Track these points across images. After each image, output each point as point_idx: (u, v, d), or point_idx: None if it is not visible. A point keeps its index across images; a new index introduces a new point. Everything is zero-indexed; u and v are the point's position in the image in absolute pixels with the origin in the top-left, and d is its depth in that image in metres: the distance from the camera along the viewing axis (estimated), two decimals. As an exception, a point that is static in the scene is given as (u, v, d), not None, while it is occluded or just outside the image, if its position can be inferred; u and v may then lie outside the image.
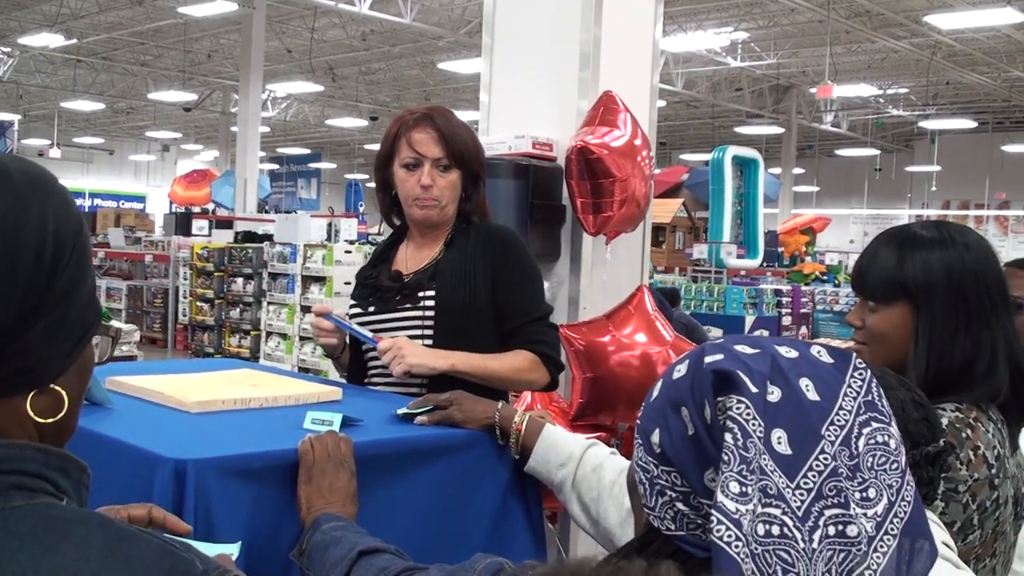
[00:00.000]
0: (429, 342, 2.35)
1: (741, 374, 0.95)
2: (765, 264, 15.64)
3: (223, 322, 12.46)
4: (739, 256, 12.49)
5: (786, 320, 13.47)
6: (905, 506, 0.96)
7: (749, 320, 11.35)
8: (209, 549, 1.38)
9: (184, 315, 13.49)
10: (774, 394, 0.95)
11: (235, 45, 22.06)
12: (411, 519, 1.77)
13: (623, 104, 3.39)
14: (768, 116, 26.10)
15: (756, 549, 0.89)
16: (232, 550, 1.44)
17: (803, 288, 14.82)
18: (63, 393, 0.92)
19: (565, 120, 3.52)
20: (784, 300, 13.95)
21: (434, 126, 2.37)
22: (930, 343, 1.70)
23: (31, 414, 0.90)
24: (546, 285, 3.52)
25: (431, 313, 2.36)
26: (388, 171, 2.46)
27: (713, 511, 0.91)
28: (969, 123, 26.21)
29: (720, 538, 0.89)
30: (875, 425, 0.97)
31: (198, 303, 13.02)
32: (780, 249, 18.95)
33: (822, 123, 26.98)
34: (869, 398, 0.99)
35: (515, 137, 3.48)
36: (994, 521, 1.62)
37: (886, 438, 0.97)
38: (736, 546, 0.89)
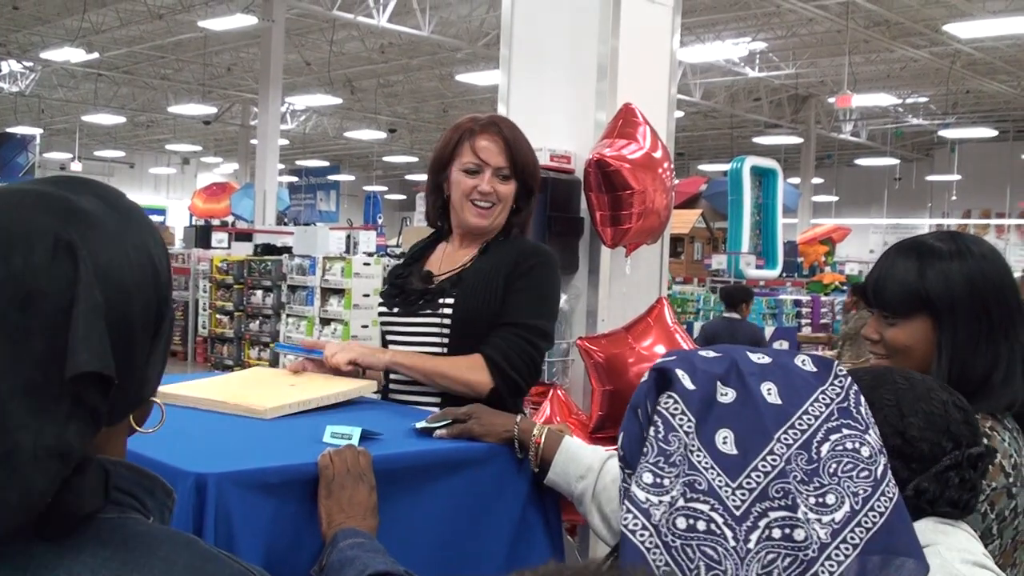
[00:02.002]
0: (445, 350, 2.36)
1: (678, 371, 0.95)
2: (784, 275, 15.59)
3: (242, 334, 12.51)
4: (758, 267, 12.45)
5: (806, 331, 13.40)
6: (874, 517, 0.93)
7: (768, 331, 11.29)
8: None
9: (204, 327, 13.55)
10: (727, 396, 0.95)
11: (254, 58, 22.19)
12: (431, 533, 1.77)
13: (643, 116, 3.39)
14: (787, 126, 26.04)
15: (673, 542, 0.89)
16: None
17: (823, 298, 14.75)
18: (157, 402, 0.99)
19: (583, 132, 3.52)
20: (804, 311, 13.89)
21: (500, 135, 2.40)
22: (953, 355, 1.69)
23: (133, 424, 0.96)
24: (564, 298, 3.51)
25: (448, 321, 2.36)
26: (444, 175, 2.47)
27: (624, 502, 0.91)
28: (989, 132, 26.06)
29: (626, 526, 0.89)
30: (845, 432, 0.96)
31: (217, 315, 13.09)
32: (799, 259, 18.89)
33: (841, 133, 26.88)
34: (845, 405, 0.97)
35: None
36: (1013, 531, 1.61)
37: (857, 445, 0.95)
38: (642, 535, 0.89)
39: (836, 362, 1.02)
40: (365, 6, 16.77)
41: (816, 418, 0.96)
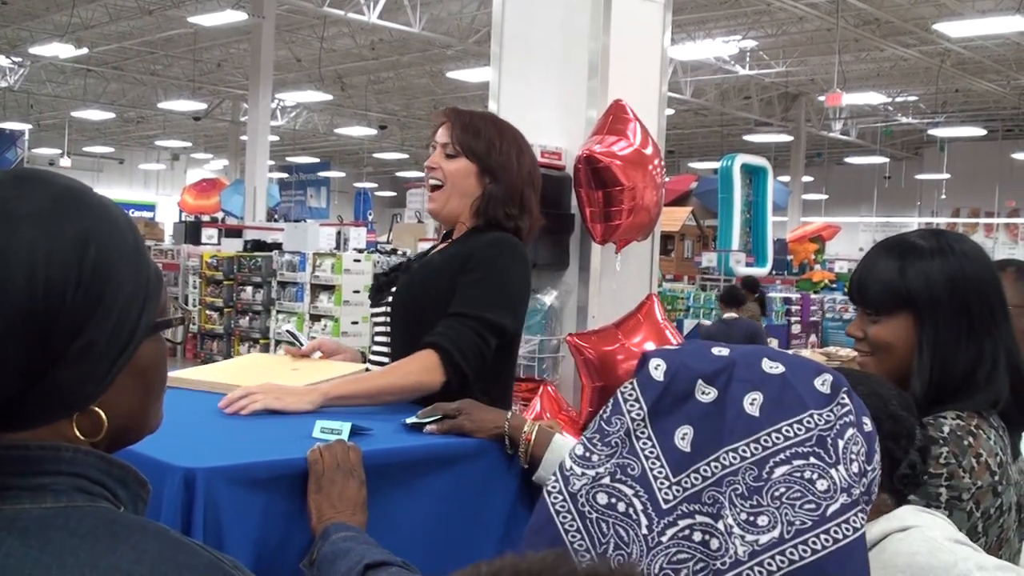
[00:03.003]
0: (388, 339, 2.38)
1: (652, 360, 0.96)
2: (774, 272, 15.63)
3: (232, 330, 12.49)
4: (748, 264, 12.50)
5: (795, 328, 13.45)
6: (804, 551, 0.91)
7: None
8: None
9: (193, 324, 13.52)
10: (708, 395, 0.95)
11: (245, 54, 22.13)
12: (420, 528, 1.77)
13: (633, 113, 3.39)
14: (777, 124, 26.09)
15: (590, 513, 0.90)
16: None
17: (812, 296, 14.80)
18: (100, 414, 0.94)
19: (574, 129, 3.52)
20: (793, 308, 13.93)
21: (447, 115, 2.42)
22: (934, 352, 1.70)
23: (78, 435, 0.93)
24: (554, 294, 3.52)
25: (389, 310, 2.37)
26: None
27: (556, 471, 0.92)
28: (979, 131, 26.15)
29: (547, 490, 0.90)
30: (812, 460, 0.94)
31: (207, 312, 13.06)
32: (789, 257, 18.95)
33: (831, 131, 26.95)
34: (825, 435, 0.95)
35: (524, 146, 3.48)
36: (998, 528, 1.62)
37: (814, 476, 0.93)
38: (555, 499, 0.90)
39: (847, 388, 1.01)
40: (356, 3, 16.75)
41: (786, 439, 0.94)
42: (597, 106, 3.47)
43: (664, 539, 0.90)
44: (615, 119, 3.38)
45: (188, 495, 1.50)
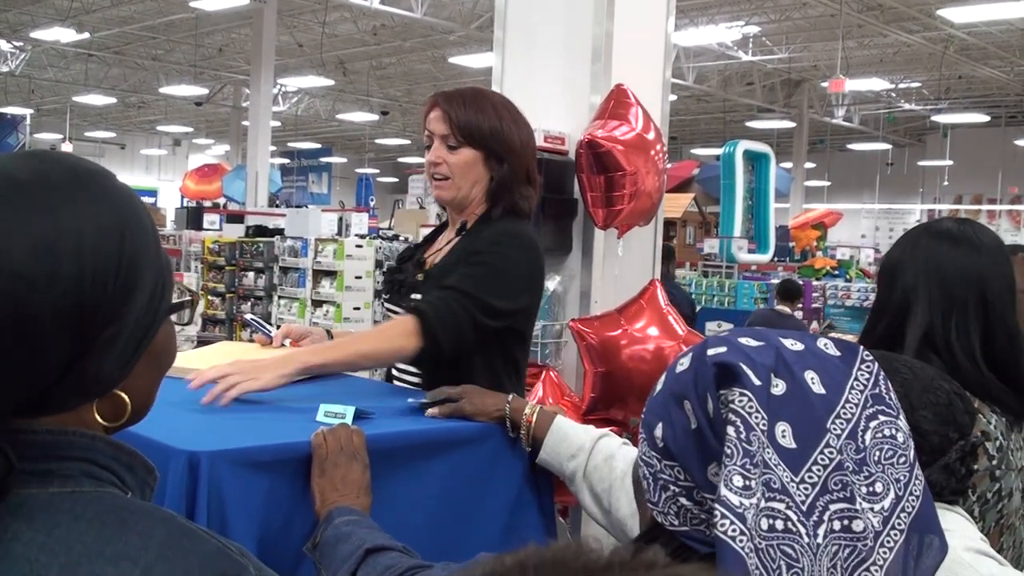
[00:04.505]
0: None
1: (744, 366, 0.94)
2: (776, 259, 15.61)
3: (234, 316, 12.48)
4: (750, 251, 12.49)
5: (797, 315, 13.42)
6: (913, 501, 0.95)
7: (760, 316, 11.31)
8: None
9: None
10: (778, 387, 0.94)
11: (246, 39, 22.08)
12: (423, 512, 1.77)
13: (635, 98, 3.38)
14: (779, 110, 26.02)
15: (760, 544, 0.88)
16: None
17: (814, 283, 14.78)
18: (124, 398, 0.95)
19: (577, 114, 3.51)
20: (795, 295, 13.88)
21: (439, 103, 2.34)
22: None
23: (99, 420, 0.93)
24: (557, 279, 3.51)
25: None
26: None
27: (716, 506, 0.90)
28: (982, 117, 26.07)
29: (724, 532, 0.88)
30: (882, 419, 0.96)
31: (209, 297, 13.05)
32: (791, 244, 18.92)
33: (834, 117, 26.87)
34: (876, 391, 0.97)
35: (527, 131, 3.47)
36: (997, 513, 1.61)
37: (893, 431, 0.96)
38: (741, 540, 0.88)
39: (860, 347, 1.01)
40: (358, -13, 16.70)
41: (856, 406, 0.96)
42: (600, 91, 3.46)
43: (819, 540, 0.91)
44: (617, 104, 3.37)
45: (192, 479, 1.50)
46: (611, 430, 1.97)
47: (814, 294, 14.06)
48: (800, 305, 10.03)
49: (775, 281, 13.50)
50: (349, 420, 1.75)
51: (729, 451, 0.91)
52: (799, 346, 0.98)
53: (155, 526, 0.88)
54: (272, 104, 20.95)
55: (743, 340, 0.99)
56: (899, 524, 0.93)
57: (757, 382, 0.94)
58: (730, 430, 0.92)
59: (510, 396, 1.95)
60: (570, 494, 1.91)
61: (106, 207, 0.90)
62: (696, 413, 0.97)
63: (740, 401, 0.93)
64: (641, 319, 3.33)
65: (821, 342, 1.01)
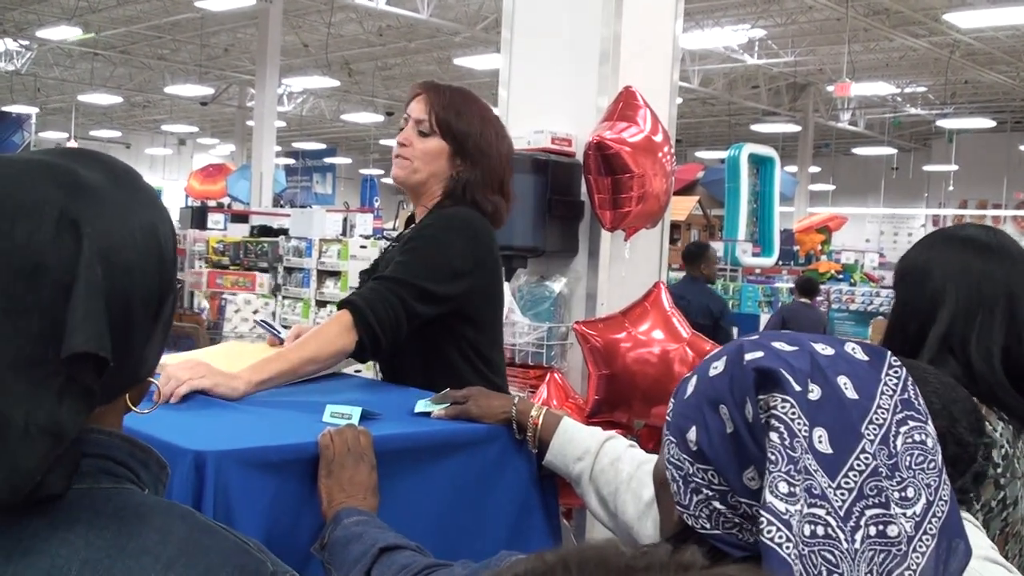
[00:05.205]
0: None
1: (784, 372, 0.93)
2: (780, 262, 15.59)
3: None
4: (754, 254, 12.46)
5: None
6: (943, 505, 0.94)
7: (764, 318, 11.30)
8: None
9: (200, 309, 13.52)
10: (814, 392, 0.93)
11: (252, 39, 22.09)
12: (429, 513, 1.77)
13: (643, 100, 3.38)
14: (785, 114, 25.99)
15: (803, 550, 0.88)
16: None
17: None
18: (153, 382, 0.98)
19: (584, 116, 3.50)
20: (800, 299, 13.86)
21: (425, 89, 2.36)
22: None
23: (129, 404, 0.95)
24: (563, 281, 3.51)
25: None
26: None
27: (763, 512, 0.89)
28: (987, 122, 26.04)
29: (771, 539, 0.87)
30: (912, 424, 0.96)
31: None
32: (796, 248, 18.88)
33: (839, 121, 26.85)
34: (905, 396, 0.97)
35: (534, 132, 3.47)
36: (1002, 522, 1.60)
37: (923, 437, 0.95)
38: (787, 547, 0.87)
39: (887, 351, 1.01)
40: (363, -12, 16.71)
41: (887, 411, 0.95)
42: (607, 93, 3.46)
43: (857, 545, 0.90)
44: (625, 105, 3.36)
45: (198, 478, 1.50)
46: (616, 432, 1.97)
47: (818, 298, 14.05)
48: (818, 299, 10.61)
49: (779, 285, 13.50)
50: (355, 421, 1.75)
51: (773, 457, 0.90)
52: (830, 350, 0.98)
53: (175, 522, 0.89)
54: (277, 104, 20.95)
55: (777, 344, 0.98)
56: (930, 529, 0.93)
57: (797, 388, 0.93)
58: (773, 436, 0.91)
59: (516, 398, 1.95)
60: (575, 496, 1.91)
61: (153, 197, 0.96)
62: (733, 418, 0.96)
63: (783, 407, 0.92)
64: (645, 321, 3.32)
65: (849, 346, 1.00)
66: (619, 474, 1.80)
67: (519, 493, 1.91)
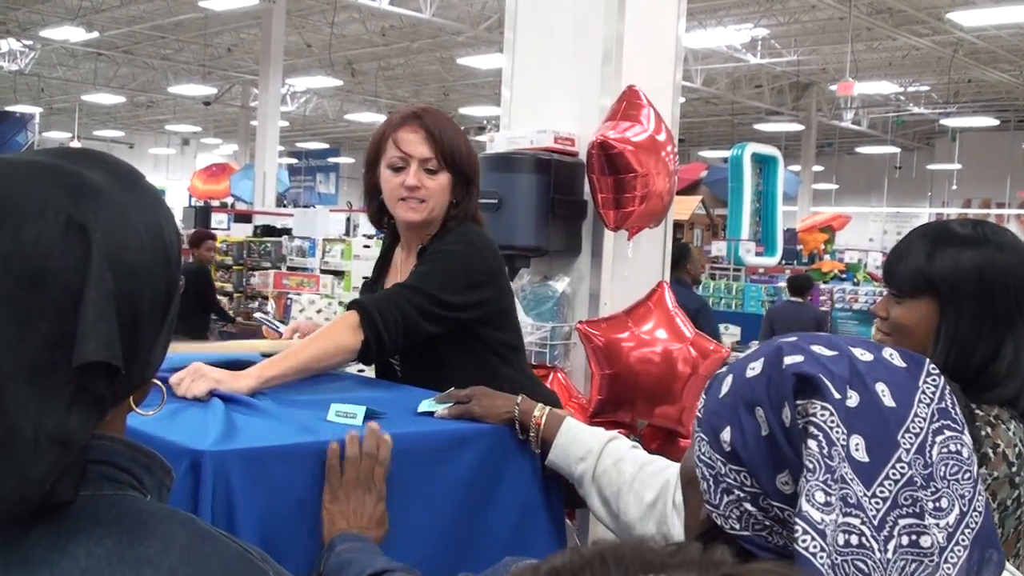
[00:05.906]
0: (399, 370, 2.38)
1: (824, 378, 0.92)
2: (784, 262, 15.58)
3: (242, 315, 12.50)
4: (758, 253, 12.43)
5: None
6: (977, 516, 0.93)
7: (767, 318, 11.29)
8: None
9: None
10: (852, 399, 0.92)
11: (255, 39, 22.12)
12: (433, 513, 1.76)
13: (646, 99, 3.37)
14: (788, 113, 25.99)
15: (836, 559, 0.87)
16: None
17: (822, 286, 14.75)
18: (159, 384, 0.98)
19: (587, 115, 3.50)
20: (803, 298, 13.85)
21: (422, 125, 2.27)
22: (951, 341, 1.68)
23: (133, 406, 0.94)
24: (566, 281, 3.51)
25: None
26: (375, 173, 2.35)
27: (798, 521, 0.88)
28: (991, 121, 26.03)
29: (806, 548, 0.87)
30: (948, 433, 0.94)
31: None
32: (799, 247, 18.88)
33: (842, 120, 26.85)
34: (942, 405, 0.96)
35: (537, 132, 3.46)
36: (1015, 520, 1.60)
37: (959, 447, 0.94)
38: (821, 557, 0.87)
39: (925, 359, 1.00)
40: (366, -12, 16.71)
41: (924, 420, 0.94)
42: (611, 93, 3.45)
43: (889, 555, 0.89)
44: (628, 105, 3.36)
45: (197, 478, 1.49)
46: (619, 432, 1.96)
47: (821, 297, 14.03)
48: (809, 298, 10.35)
49: (782, 284, 13.49)
50: (360, 420, 1.75)
51: (811, 465, 0.90)
52: (869, 356, 0.97)
53: (176, 530, 0.88)
54: (280, 104, 20.98)
55: (816, 348, 0.97)
56: (963, 540, 0.92)
57: (837, 395, 0.92)
58: (812, 444, 0.90)
59: (519, 398, 1.95)
60: (579, 495, 1.91)
61: (157, 198, 0.95)
62: (770, 421, 0.95)
63: (822, 415, 0.91)
64: (649, 321, 3.32)
65: (887, 352, 0.99)
66: (622, 475, 1.79)
67: (523, 493, 1.91)
